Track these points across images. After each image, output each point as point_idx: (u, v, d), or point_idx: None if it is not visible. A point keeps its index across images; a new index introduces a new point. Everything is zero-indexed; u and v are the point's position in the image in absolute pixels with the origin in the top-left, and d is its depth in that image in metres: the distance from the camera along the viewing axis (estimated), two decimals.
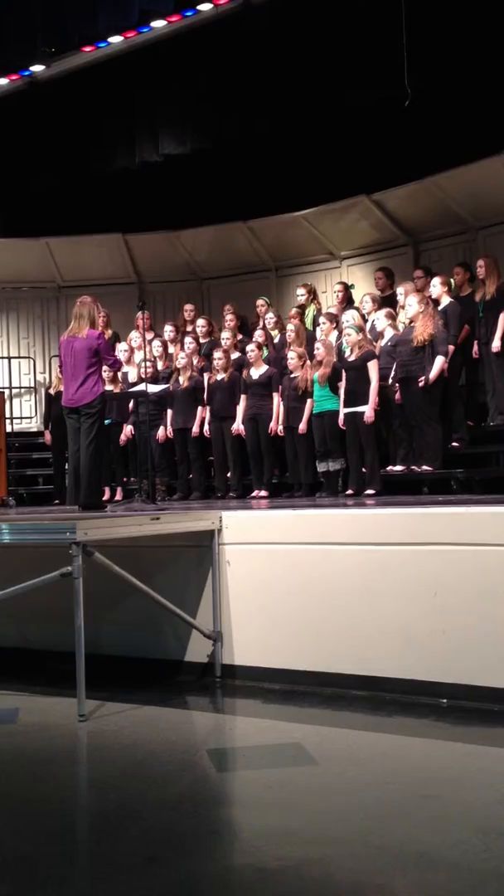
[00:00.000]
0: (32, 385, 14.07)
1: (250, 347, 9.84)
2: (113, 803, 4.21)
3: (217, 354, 10.04)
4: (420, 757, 4.74)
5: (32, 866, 3.53)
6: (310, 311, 10.81)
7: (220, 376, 9.96)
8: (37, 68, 12.40)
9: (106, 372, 9.81)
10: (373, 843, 3.53)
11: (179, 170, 12.88)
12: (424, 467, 8.58)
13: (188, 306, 11.97)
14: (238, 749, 5.07)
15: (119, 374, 10.36)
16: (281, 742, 4.95)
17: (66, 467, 10.23)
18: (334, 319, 9.80)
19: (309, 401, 9.16)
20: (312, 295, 11.06)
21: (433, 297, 9.23)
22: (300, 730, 5.19)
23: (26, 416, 14.02)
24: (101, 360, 7.80)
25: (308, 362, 9.33)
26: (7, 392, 13.03)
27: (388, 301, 10.04)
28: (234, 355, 10.20)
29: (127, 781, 4.50)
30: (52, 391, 11.51)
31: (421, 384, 8.57)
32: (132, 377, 10.54)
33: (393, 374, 8.85)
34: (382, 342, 9.18)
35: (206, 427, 10.04)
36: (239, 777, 4.65)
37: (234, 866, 3.48)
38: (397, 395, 8.84)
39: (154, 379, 10.09)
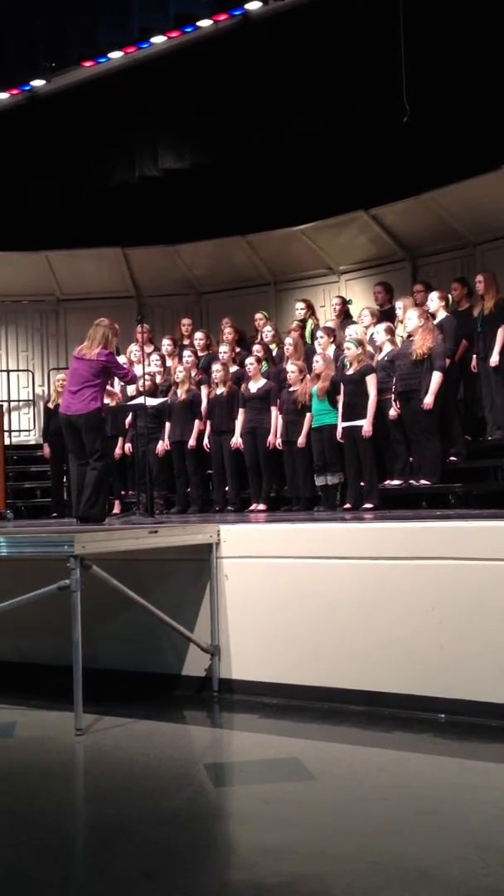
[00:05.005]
0: (31, 398, 14.10)
1: (249, 361, 9.85)
2: (110, 818, 4.19)
3: (216, 368, 10.05)
4: (418, 772, 4.72)
5: (29, 882, 3.51)
6: (308, 326, 10.84)
7: (219, 390, 9.96)
8: (37, 83, 12.48)
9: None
10: (370, 859, 3.52)
11: (179, 184, 12.93)
12: (423, 481, 8.58)
13: (185, 320, 12.00)
14: (235, 764, 5.06)
15: (117, 388, 10.37)
16: (278, 757, 4.93)
17: (65, 481, 10.17)
18: (332, 333, 9.82)
19: (308, 415, 9.17)
20: (311, 310, 11.10)
21: (430, 311, 9.26)
22: (298, 745, 5.17)
23: (25, 429, 14.04)
24: (112, 376, 7.93)
25: (307, 376, 9.35)
26: (6, 405, 13.05)
27: (386, 315, 10.07)
28: (233, 369, 10.22)
29: (124, 796, 4.48)
30: (50, 404, 11.53)
31: (423, 406, 8.56)
32: (131, 390, 10.55)
33: (393, 387, 8.87)
34: (380, 356, 9.19)
35: (206, 440, 10.05)
36: (236, 792, 4.63)
37: (231, 882, 3.47)
38: (392, 410, 8.85)
39: (152, 392, 10.10)
